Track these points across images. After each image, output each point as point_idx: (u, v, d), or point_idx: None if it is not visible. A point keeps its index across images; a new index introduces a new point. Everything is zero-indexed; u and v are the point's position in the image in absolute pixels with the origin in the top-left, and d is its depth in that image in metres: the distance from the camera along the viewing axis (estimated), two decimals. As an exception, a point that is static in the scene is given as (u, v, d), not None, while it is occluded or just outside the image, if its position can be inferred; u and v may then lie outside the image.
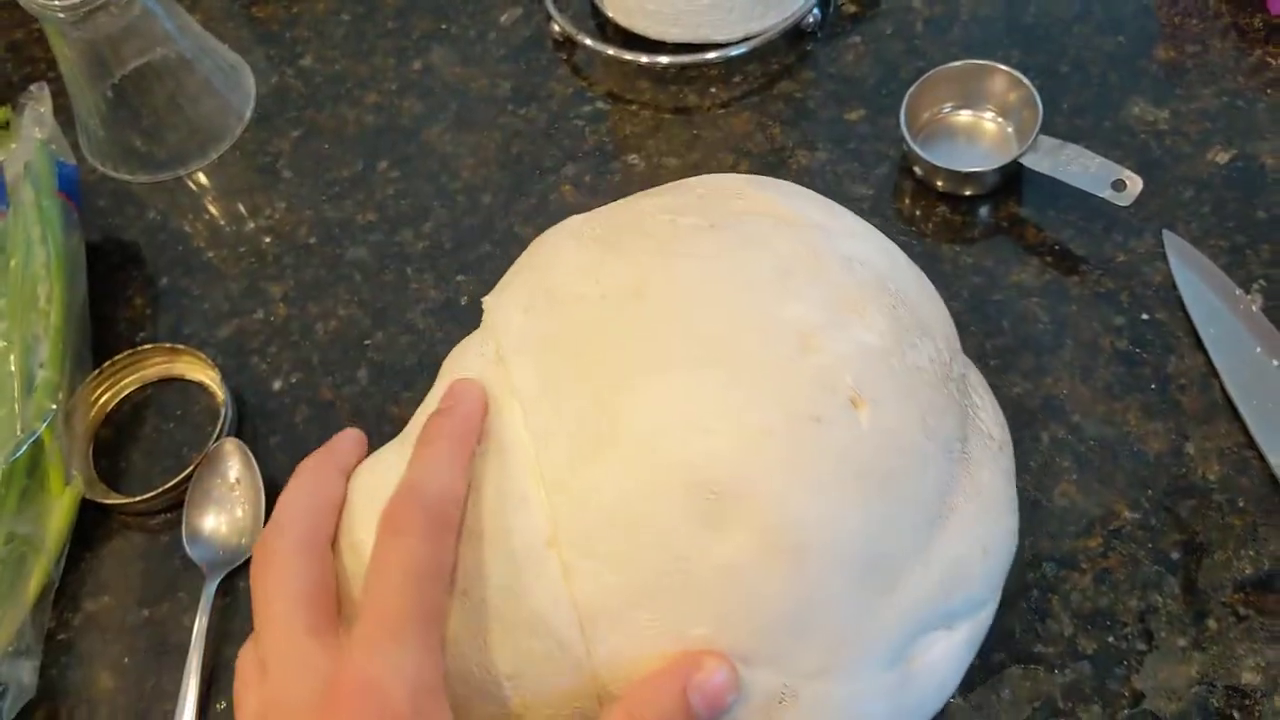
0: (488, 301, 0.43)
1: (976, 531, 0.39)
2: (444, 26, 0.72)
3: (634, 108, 0.67)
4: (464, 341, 0.43)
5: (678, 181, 0.46)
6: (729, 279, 0.38)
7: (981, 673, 0.48)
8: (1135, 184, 0.55)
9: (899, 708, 0.39)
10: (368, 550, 0.37)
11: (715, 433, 0.35)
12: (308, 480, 0.40)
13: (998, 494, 0.41)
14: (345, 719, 0.33)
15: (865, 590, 0.36)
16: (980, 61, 0.60)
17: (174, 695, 0.51)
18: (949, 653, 0.40)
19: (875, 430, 0.36)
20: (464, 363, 0.41)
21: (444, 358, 0.62)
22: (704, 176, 0.46)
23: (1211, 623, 0.48)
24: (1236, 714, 0.46)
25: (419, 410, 0.42)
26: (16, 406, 0.55)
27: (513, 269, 0.44)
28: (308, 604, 0.37)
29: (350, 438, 0.43)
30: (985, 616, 0.41)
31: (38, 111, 0.64)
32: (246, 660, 0.38)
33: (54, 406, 0.56)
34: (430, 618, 0.36)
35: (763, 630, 0.35)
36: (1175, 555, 0.50)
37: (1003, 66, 0.60)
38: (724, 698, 0.35)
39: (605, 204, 0.46)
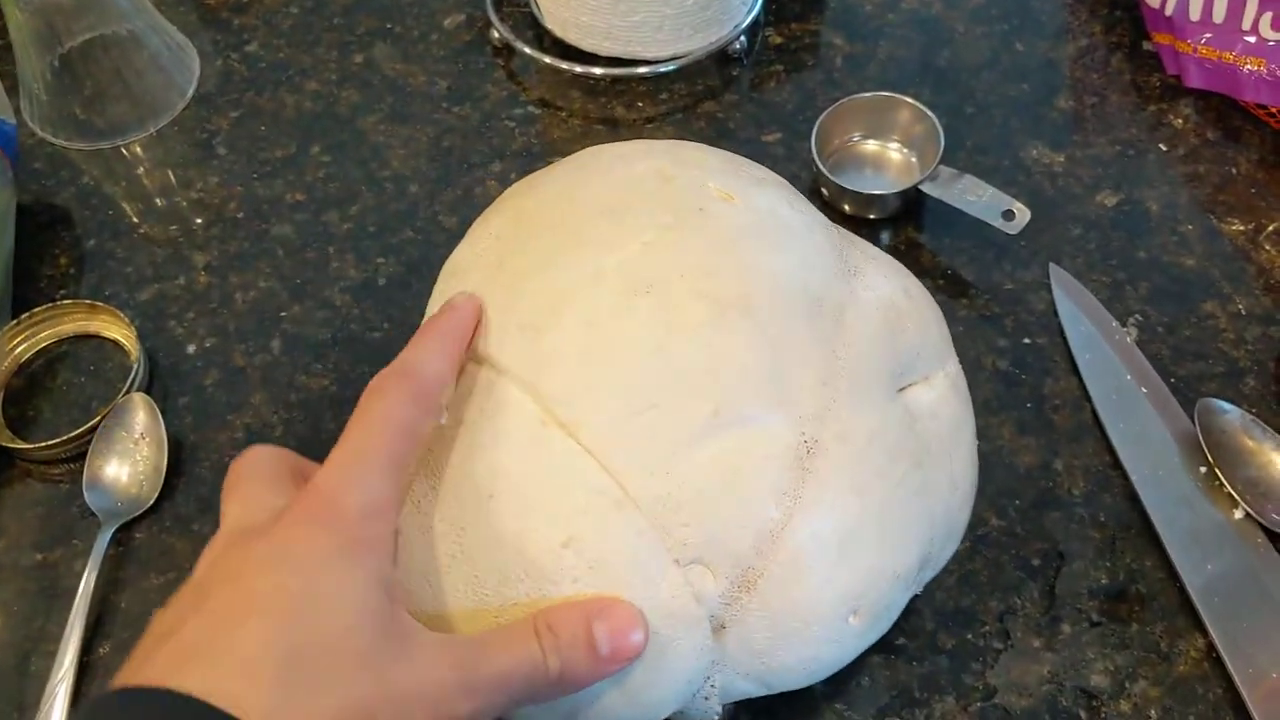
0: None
1: (889, 284, 0.45)
2: (389, 25, 0.74)
3: (564, 115, 0.69)
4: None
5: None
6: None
7: (844, 659, 0.50)
8: (1024, 215, 0.58)
9: (921, 435, 0.43)
10: None
11: (625, 247, 0.41)
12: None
13: (885, 258, 0.48)
14: (294, 516, 0.35)
15: (815, 328, 0.41)
16: (888, 94, 0.63)
17: (58, 637, 0.51)
18: (940, 397, 0.45)
19: (749, 209, 0.43)
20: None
21: (358, 334, 0.64)
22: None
23: (1066, 627, 0.50)
24: (1083, 714, 0.48)
25: None
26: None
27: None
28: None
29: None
30: (954, 369, 0.47)
31: (-19, 71, 0.65)
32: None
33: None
34: (398, 462, 0.37)
35: (746, 381, 0.39)
36: (1036, 562, 0.52)
37: (909, 99, 0.63)
38: (628, 634, 0.37)
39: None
